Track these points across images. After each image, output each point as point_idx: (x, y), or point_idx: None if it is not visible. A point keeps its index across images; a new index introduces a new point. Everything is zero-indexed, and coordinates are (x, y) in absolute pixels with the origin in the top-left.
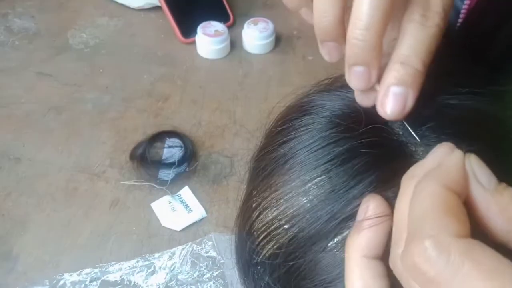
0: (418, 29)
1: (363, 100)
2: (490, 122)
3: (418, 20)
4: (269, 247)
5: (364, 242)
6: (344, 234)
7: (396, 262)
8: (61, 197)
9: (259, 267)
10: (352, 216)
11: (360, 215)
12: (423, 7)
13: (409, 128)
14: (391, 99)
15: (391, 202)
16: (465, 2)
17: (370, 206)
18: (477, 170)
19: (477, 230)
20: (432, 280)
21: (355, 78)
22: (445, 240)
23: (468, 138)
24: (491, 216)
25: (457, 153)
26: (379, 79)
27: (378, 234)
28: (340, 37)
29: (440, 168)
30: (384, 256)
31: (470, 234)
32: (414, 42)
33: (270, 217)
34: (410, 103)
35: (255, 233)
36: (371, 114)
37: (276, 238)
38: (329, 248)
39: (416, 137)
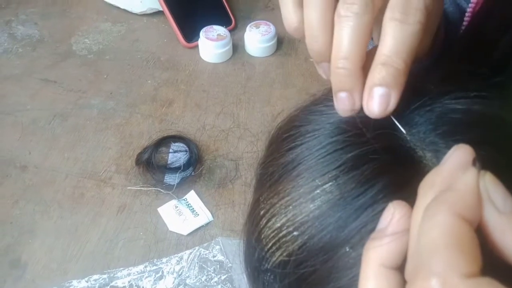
0: (399, 27)
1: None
2: (499, 126)
3: (398, 18)
4: (279, 254)
5: (385, 252)
6: (355, 241)
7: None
8: (68, 203)
9: (268, 274)
10: (363, 224)
11: (383, 222)
12: (403, 4)
13: (395, 121)
14: (375, 100)
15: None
16: (470, 5)
17: (396, 214)
18: (492, 191)
19: (491, 255)
20: None
21: (341, 103)
22: (453, 280)
23: (477, 143)
24: (507, 242)
25: (471, 174)
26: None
27: (400, 245)
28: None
29: (452, 192)
30: (402, 266)
31: (480, 269)
32: (395, 41)
33: (279, 224)
34: (393, 102)
35: (263, 240)
36: (378, 119)
37: (285, 245)
38: (339, 256)
39: (402, 129)
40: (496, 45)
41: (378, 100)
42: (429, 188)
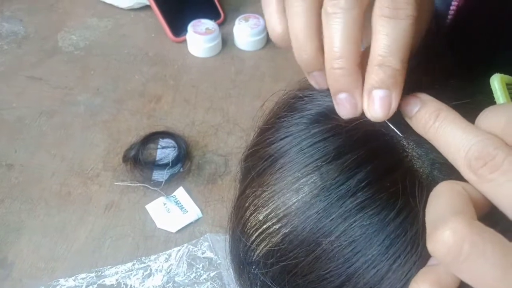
0: (390, 24)
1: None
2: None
3: (388, 15)
4: (263, 246)
5: None
6: (337, 232)
7: None
8: (55, 202)
9: (253, 266)
10: (346, 214)
11: None
12: None
13: (390, 125)
14: (376, 103)
15: None
16: (453, 2)
17: None
18: None
19: None
20: None
21: (341, 106)
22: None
23: None
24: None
25: None
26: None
27: None
28: (322, 65)
29: None
30: None
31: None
32: (388, 40)
33: (263, 216)
34: (394, 103)
35: (248, 232)
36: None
37: (269, 237)
38: (322, 247)
39: (398, 133)
40: (480, 39)
41: (379, 103)
42: None
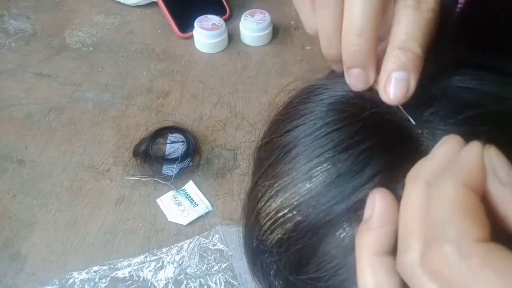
0: (413, 13)
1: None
2: (497, 104)
3: (412, 5)
4: (275, 234)
5: (373, 240)
6: (349, 219)
7: (407, 266)
8: (66, 196)
9: (266, 255)
10: (358, 203)
11: (367, 212)
12: None
13: (404, 112)
14: (394, 85)
15: (398, 195)
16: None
17: (377, 202)
18: (496, 163)
19: (496, 225)
20: (452, 284)
21: (353, 79)
22: (466, 245)
23: (475, 122)
24: (509, 212)
25: (476, 146)
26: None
27: (386, 232)
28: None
29: (457, 164)
30: (395, 250)
31: (490, 235)
32: (411, 26)
33: (276, 205)
34: (412, 86)
35: (261, 221)
36: (374, 98)
37: (281, 225)
38: (334, 235)
39: (412, 120)
40: (491, 28)
41: (396, 85)
42: (415, 178)
